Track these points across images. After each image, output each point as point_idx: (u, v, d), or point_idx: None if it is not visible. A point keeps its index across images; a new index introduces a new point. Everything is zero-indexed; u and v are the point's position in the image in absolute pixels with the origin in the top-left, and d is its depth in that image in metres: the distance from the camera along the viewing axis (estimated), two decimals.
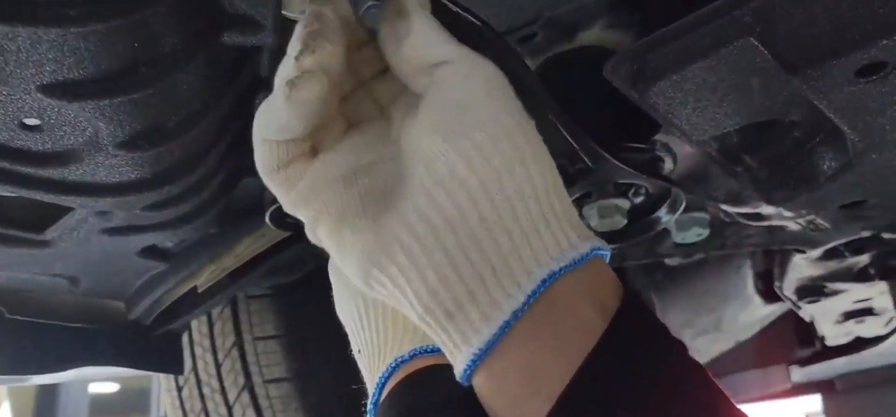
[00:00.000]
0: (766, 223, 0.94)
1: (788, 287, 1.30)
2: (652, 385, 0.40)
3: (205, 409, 1.32)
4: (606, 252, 0.46)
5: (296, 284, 1.17)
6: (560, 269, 0.41)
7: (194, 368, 1.33)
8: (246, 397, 1.29)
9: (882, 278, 1.19)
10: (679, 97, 0.59)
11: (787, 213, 0.86)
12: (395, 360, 0.55)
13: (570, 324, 0.41)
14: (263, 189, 0.90)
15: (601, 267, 0.45)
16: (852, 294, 1.33)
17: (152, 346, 1.09)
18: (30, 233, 0.78)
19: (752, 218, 0.91)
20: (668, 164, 0.80)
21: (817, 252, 1.07)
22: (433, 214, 0.43)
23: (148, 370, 1.11)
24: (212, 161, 0.75)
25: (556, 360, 0.40)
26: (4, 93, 0.55)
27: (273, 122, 0.48)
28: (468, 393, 0.43)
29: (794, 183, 0.71)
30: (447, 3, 0.57)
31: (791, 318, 1.71)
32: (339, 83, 0.49)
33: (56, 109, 0.57)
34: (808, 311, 1.44)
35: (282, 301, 1.33)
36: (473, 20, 0.58)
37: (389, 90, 0.52)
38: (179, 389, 1.35)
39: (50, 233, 0.79)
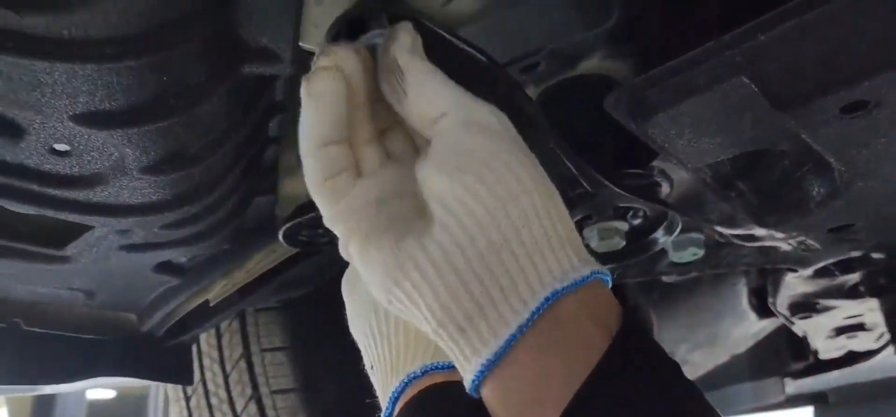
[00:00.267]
0: (759, 244, 0.97)
1: (781, 303, 1.33)
2: (651, 399, 0.44)
3: None
4: (607, 276, 0.49)
5: (302, 298, 1.20)
6: (562, 289, 0.45)
7: (202, 378, 1.36)
8: (253, 407, 1.32)
9: (872, 295, 1.22)
10: (675, 129, 0.63)
11: (779, 235, 0.90)
12: (408, 376, 0.58)
13: (572, 340, 0.45)
14: (274, 208, 0.94)
15: (602, 289, 0.48)
16: (843, 310, 1.35)
17: (163, 357, 1.11)
18: (51, 249, 0.81)
19: (746, 239, 0.94)
20: (665, 189, 0.84)
21: (809, 271, 1.10)
22: (445, 239, 0.46)
23: (159, 380, 1.13)
24: (228, 182, 0.78)
25: (560, 373, 0.44)
26: (38, 121, 0.58)
27: (304, 128, 0.52)
28: (479, 406, 0.47)
29: (785, 208, 0.74)
30: (451, 38, 0.60)
31: (785, 332, 1.74)
32: (360, 87, 0.53)
33: (86, 136, 0.60)
34: (800, 327, 1.46)
35: (288, 314, 1.36)
36: (475, 54, 0.61)
37: None
38: (188, 399, 1.38)
39: (70, 249, 0.81)
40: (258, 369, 1.32)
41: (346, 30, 0.60)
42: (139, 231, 0.79)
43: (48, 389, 1.10)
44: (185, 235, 0.83)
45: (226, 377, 1.34)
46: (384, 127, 0.56)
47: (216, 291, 1.03)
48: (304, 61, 0.62)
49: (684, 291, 1.56)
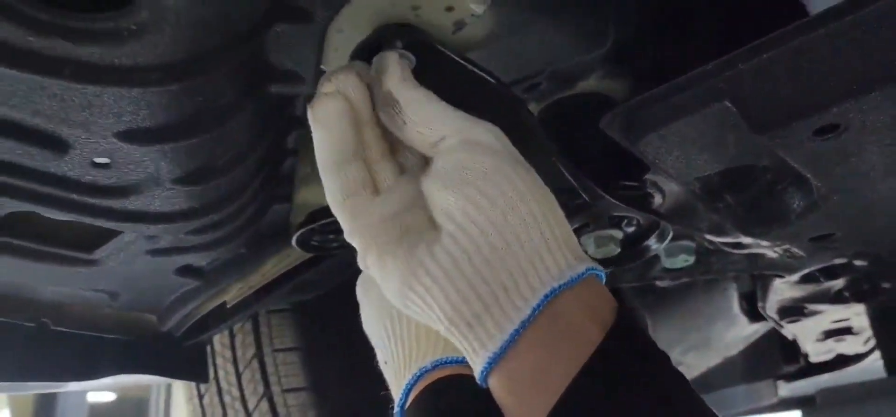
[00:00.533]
0: (746, 251, 1.02)
1: (771, 307, 1.37)
2: (643, 386, 0.48)
3: (225, 416, 1.40)
4: (601, 273, 0.54)
5: (313, 300, 1.24)
6: (560, 286, 0.50)
7: (216, 377, 1.40)
8: (265, 405, 1.36)
9: (857, 301, 1.27)
10: (665, 147, 0.68)
11: (765, 243, 0.95)
12: (420, 370, 0.64)
13: (570, 333, 0.49)
14: (289, 215, 0.99)
15: (597, 286, 0.53)
16: (830, 314, 1.40)
17: (181, 356, 1.16)
18: (81, 253, 0.86)
19: (734, 247, 1.00)
20: (657, 200, 0.89)
21: (795, 276, 1.15)
22: (453, 248, 0.52)
23: (177, 378, 1.18)
24: (250, 191, 0.83)
25: (559, 363, 0.48)
26: (83, 137, 0.63)
27: (317, 151, 0.57)
28: (486, 395, 0.52)
29: (768, 219, 0.80)
30: (460, 60, 0.65)
31: (778, 336, 1.78)
32: (364, 106, 0.58)
33: (125, 151, 0.65)
34: (790, 330, 1.51)
35: (300, 315, 1.40)
36: (483, 75, 0.66)
37: None
38: (201, 397, 1.43)
39: (99, 253, 0.86)
40: (270, 368, 1.36)
41: (364, 56, 0.64)
42: (166, 236, 0.84)
43: (70, 386, 1.14)
44: (207, 240, 0.88)
45: (238, 376, 1.38)
46: (395, 142, 0.61)
47: (233, 293, 1.08)
48: None
49: (677, 296, 1.60)
